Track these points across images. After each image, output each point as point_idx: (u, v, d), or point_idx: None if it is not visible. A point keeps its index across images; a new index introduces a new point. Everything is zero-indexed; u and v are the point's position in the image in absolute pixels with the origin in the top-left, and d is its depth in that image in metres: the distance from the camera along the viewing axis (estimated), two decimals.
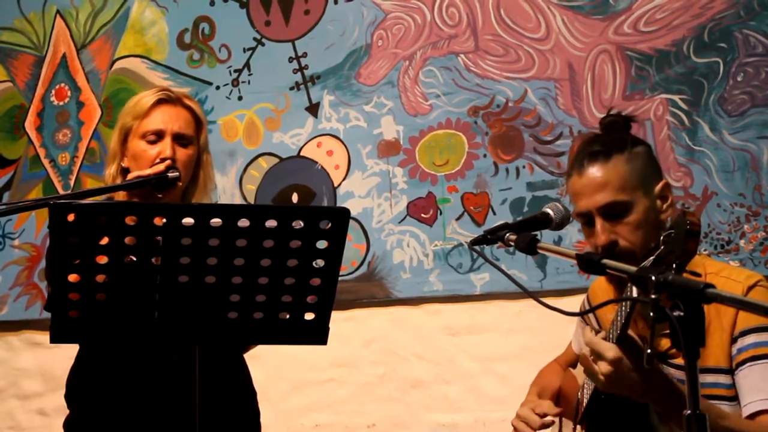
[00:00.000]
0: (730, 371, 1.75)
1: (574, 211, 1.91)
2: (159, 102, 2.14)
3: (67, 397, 2.17)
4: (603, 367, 1.64)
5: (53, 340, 2.11)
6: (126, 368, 2.06)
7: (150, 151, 2.09)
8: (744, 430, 1.66)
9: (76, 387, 2.14)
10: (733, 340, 1.75)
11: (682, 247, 1.52)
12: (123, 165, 2.13)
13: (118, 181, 2.11)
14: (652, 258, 1.60)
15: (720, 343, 1.75)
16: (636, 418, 1.80)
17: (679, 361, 1.79)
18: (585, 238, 1.91)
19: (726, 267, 1.87)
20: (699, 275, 1.77)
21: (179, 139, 2.13)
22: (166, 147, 2.09)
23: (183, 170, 2.09)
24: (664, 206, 1.88)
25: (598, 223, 1.84)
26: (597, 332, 1.88)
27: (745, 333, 1.74)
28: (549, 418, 1.97)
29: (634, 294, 1.58)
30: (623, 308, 1.70)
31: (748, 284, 1.77)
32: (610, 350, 1.64)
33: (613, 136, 1.92)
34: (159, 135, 2.11)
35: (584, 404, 1.91)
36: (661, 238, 1.57)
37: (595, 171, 1.85)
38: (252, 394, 2.23)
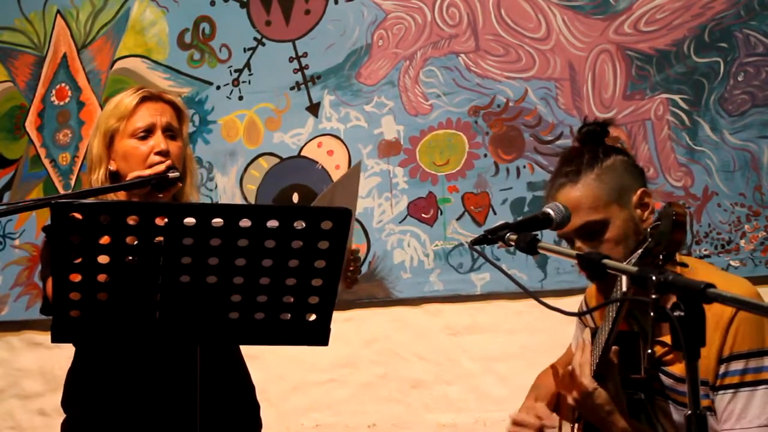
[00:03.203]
0: (713, 387, 1.75)
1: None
2: (143, 100, 2.14)
3: (66, 403, 2.16)
4: (575, 394, 1.76)
5: (54, 340, 2.10)
6: (126, 369, 2.06)
7: (142, 148, 2.09)
8: None
9: (76, 391, 2.14)
10: (721, 361, 1.74)
11: (669, 238, 1.52)
12: (111, 168, 2.13)
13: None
14: (640, 251, 1.61)
15: (707, 357, 1.74)
16: (630, 414, 1.80)
17: (673, 369, 1.80)
18: None
19: (718, 278, 1.85)
20: (686, 266, 1.79)
21: (168, 132, 2.13)
22: (159, 140, 2.09)
23: (176, 164, 2.10)
24: (645, 214, 1.85)
25: (578, 244, 1.85)
26: (593, 331, 1.88)
27: (733, 357, 1.73)
28: (546, 422, 1.98)
29: (623, 289, 1.59)
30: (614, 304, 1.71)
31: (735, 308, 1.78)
32: (589, 382, 1.75)
33: (585, 151, 1.90)
34: (148, 131, 2.11)
35: None
36: (648, 230, 1.57)
37: (565, 194, 1.86)
38: (251, 388, 2.23)
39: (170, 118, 2.15)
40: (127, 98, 2.14)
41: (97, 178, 2.12)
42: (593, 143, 1.93)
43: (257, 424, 2.23)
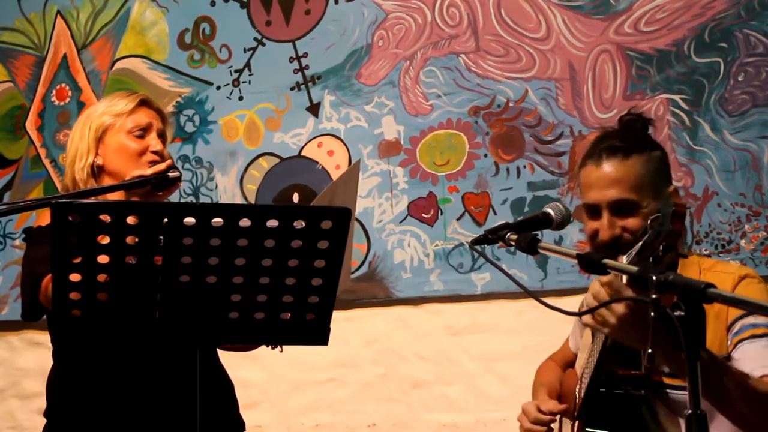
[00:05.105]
0: (727, 358, 1.76)
1: (582, 200, 1.92)
2: (142, 103, 2.20)
3: (53, 410, 2.12)
4: (619, 309, 1.60)
5: (55, 341, 2.10)
6: (119, 370, 2.05)
7: (137, 145, 2.13)
8: (747, 382, 1.64)
9: (67, 397, 2.09)
10: (729, 326, 1.76)
11: (668, 228, 1.53)
12: (97, 162, 2.14)
13: (91, 180, 2.12)
14: (639, 244, 1.60)
15: (716, 331, 1.75)
16: (630, 411, 1.81)
17: (676, 382, 1.80)
18: (584, 225, 1.92)
19: (719, 262, 1.90)
20: (685, 256, 1.79)
21: (161, 137, 2.19)
22: (155, 141, 2.15)
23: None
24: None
25: (605, 216, 1.85)
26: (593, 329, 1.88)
27: (740, 317, 1.75)
28: (552, 417, 1.98)
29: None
30: None
31: (739, 275, 1.80)
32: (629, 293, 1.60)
33: (633, 135, 1.92)
34: (145, 130, 2.15)
35: (581, 398, 1.91)
36: (648, 222, 1.57)
37: (612, 166, 1.86)
38: (230, 385, 2.24)
39: (163, 124, 2.22)
40: (125, 98, 2.19)
41: (83, 166, 2.13)
42: (639, 131, 1.94)
43: (239, 421, 2.23)
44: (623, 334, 1.63)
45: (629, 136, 1.92)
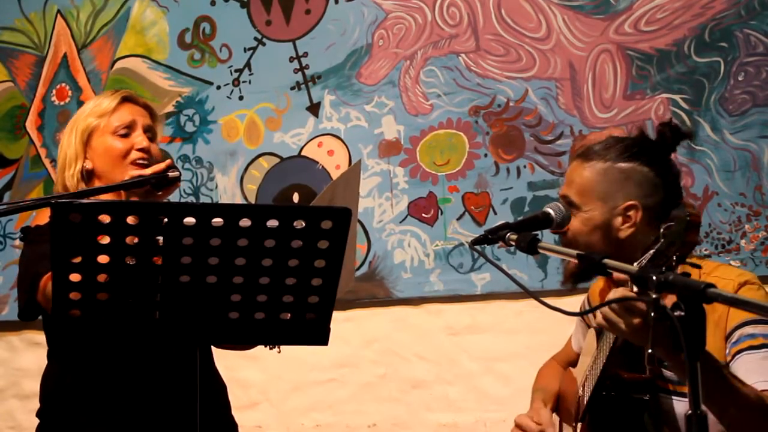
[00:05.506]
0: (726, 366, 1.75)
1: None
2: (124, 100, 2.17)
3: (49, 411, 2.09)
4: (635, 320, 1.60)
5: (52, 342, 2.09)
6: (121, 369, 2.05)
7: (122, 144, 2.11)
8: (745, 392, 1.64)
9: (64, 398, 2.07)
10: (728, 336, 1.76)
11: (682, 239, 1.52)
12: (86, 167, 2.13)
13: (82, 185, 2.11)
14: (651, 252, 1.60)
15: (714, 340, 1.75)
16: (632, 416, 1.80)
17: (682, 389, 1.79)
18: None
19: (719, 266, 1.88)
20: (699, 267, 1.79)
21: (148, 133, 2.15)
22: (141, 138, 2.12)
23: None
24: (624, 225, 1.86)
25: None
26: (598, 332, 1.88)
27: (738, 327, 1.75)
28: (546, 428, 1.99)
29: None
30: None
31: (739, 281, 1.80)
32: (641, 304, 1.60)
33: (621, 144, 1.91)
34: (130, 128, 2.13)
35: (585, 402, 1.91)
36: (661, 230, 1.57)
37: (573, 165, 1.95)
38: (224, 387, 2.23)
39: (149, 119, 2.19)
40: (108, 98, 2.17)
41: (73, 174, 2.12)
42: (658, 141, 1.92)
43: (233, 422, 2.23)
44: (634, 335, 1.63)
45: (612, 144, 1.91)
